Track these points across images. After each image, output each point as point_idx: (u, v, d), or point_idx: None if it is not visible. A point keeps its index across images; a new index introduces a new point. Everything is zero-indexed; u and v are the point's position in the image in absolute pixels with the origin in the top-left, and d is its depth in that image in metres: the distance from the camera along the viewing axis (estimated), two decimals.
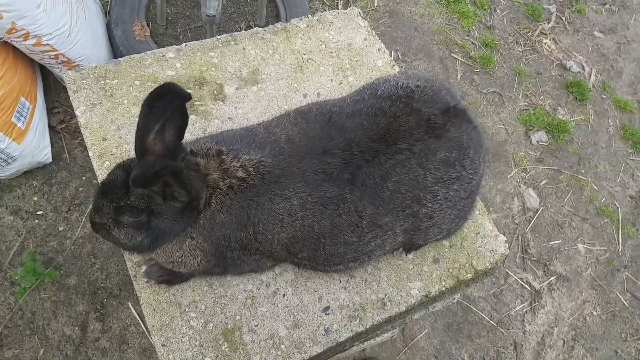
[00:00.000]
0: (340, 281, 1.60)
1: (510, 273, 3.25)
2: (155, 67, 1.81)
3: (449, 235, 1.68)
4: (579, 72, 4.19)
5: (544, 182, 3.60)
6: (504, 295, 3.19)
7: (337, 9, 3.93)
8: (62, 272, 2.62)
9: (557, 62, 4.21)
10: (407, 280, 1.63)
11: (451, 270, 1.67)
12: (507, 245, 1.77)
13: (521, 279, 3.25)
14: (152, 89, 1.18)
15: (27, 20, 2.44)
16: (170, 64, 1.83)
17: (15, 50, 2.67)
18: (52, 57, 2.69)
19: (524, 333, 3.13)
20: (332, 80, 1.91)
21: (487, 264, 1.70)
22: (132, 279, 1.53)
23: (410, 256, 1.68)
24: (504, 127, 3.77)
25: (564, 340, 3.17)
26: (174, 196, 1.28)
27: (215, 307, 1.51)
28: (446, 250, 1.71)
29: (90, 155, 1.63)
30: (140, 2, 3.06)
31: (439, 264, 1.67)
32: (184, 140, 1.31)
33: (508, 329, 3.09)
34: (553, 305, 3.25)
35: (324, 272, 1.60)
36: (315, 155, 1.43)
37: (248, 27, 3.23)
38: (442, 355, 2.92)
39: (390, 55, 3.94)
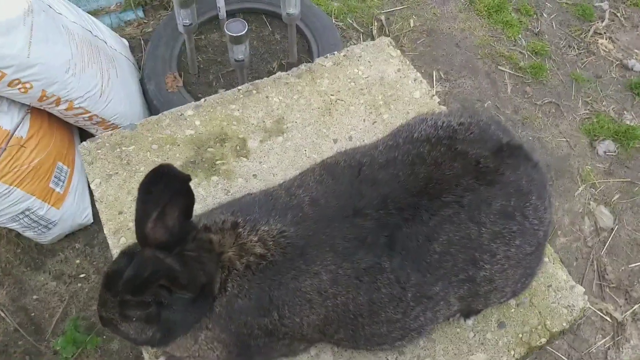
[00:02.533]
0: (388, 359, 1.34)
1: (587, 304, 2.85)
2: (173, 127, 1.65)
3: (515, 296, 1.39)
4: None
5: (616, 197, 3.18)
6: (582, 330, 2.78)
7: (372, 35, 3.72)
8: (104, 337, 2.49)
9: (617, 62, 3.79)
10: (467, 352, 1.35)
11: (520, 335, 1.38)
12: (586, 297, 1.46)
13: (600, 309, 2.84)
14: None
15: (57, 86, 2.37)
16: (189, 122, 1.66)
17: (50, 115, 2.61)
18: (87, 119, 2.61)
19: None
20: (364, 120, 1.69)
21: (564, 324, 1.40)
22: None
23: (470, 322, 1.41)
24: (565, 139, 3.38)
25: None
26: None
27: None
28: (513, 310, 1.42)
29: (105, 232, 1.48)
30: (172, 54, 2.97)
31: (505, 329, 1.39)
32: (198, 212, 1.13)
33: None
34: (639, 338, 2.81)
35: (367, 352, 1.36)
36: (345, 218, 1.20)
37: (280, 66, 3.07)
38: None
39: (432, 77, 3.67)
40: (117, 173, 1.56)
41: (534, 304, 1.42)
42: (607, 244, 3.01)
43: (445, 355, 1.34)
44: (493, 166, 1.21)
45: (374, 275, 1.16)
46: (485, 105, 3.51)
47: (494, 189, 1.19)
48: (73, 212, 2.62)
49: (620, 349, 2.76)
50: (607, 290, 2.89)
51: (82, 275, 2.65)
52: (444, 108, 1.71)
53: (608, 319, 2.81)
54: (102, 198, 1.52)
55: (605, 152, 3.33)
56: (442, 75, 3.66)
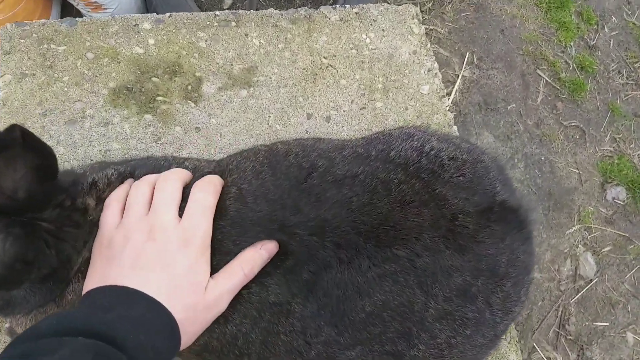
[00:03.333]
0: None
1: (537, 348, 2.64)
2: (121, 38, 1.30)
3: None
4: None
5: (607, 248, 2.90)
6: None
7: None
8: None
9: None
10: None
11: None
12: None
13: (549, 358, 2.63)
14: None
15: None
16: (141, 37, 1.31)
17: None
18: None
19: None
20: (352, 101, 1.35)
21: None
22: None
23: None
24: (577, 171, 3.05)
25: None
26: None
27: None
28: None
29: None
30: None
31: None
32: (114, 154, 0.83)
33: None
34: None
35: None
36: (268, 230, 0.90)
37: None
38: None
39: (464, 58, 3.25)
40: (34, 74, 1.23)
41: None
42: (580, 294, 2.77)
43: None
44: (472, 228, 0.90)
45: (277, 317, 0.88)
46: (509, 107, 3.13)
47: (461, 259, 0.89)
48: None
49: None
50: (563, 340, 2.67)
51: None
52: (450, 116, 1.37)
53: None
54: (7, 101, 1.20)
55: (614, 198, 3.01)
56: (475, 59, 3.24)
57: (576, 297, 2.76)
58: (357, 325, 0.89)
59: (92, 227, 0.89)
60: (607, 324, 2.75)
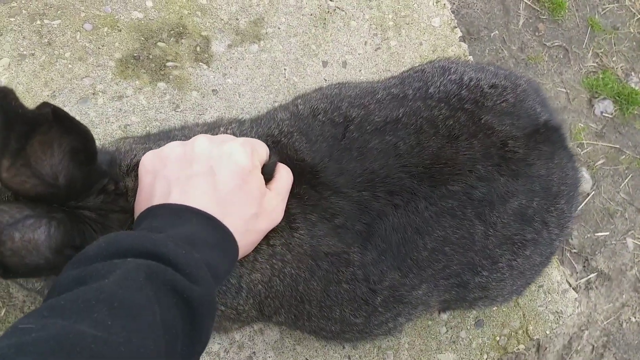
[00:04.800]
0: (344, 347, 1.11)
1: None
2: (117, 4, 1.22)
3: (504, 302, 1.17)
4: None
5: (601, 161, 2.97)
6: None
7: None
8: None
9: (639, 16, 3.40)
10: (436, 349, 1.13)
11: (498, 338, 1.17)
12: (577, 303, 1.25)
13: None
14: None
15: None
16: (138, 1, 1.24)
17: None
18: None
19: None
20: (366, 43, 1.31)
21: (547, 331, 1.20)
22: None
23: (444, 316, 1.17)
24: (565, 90, 3.07)
25: (593, 345, 2.72)
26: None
27: None
28: (494, 308, 1.20)
29: None
30: None
31: (482, 329, 1.17)
32: (134, 129, 0.81)
33: None
34: (588, 306, 2.76)
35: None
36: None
37: None
38: None
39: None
40: (33, 54, 1.15)
41: (520, 305, 1.21)
42: (579, 208, 2.86)
43: (410, 350, 1.12)
44: (522, 152, 0.90)
45: (335, 266, 0.88)
46: (492, 35, 3.10)
47: (516, 184, 0.89)
48: None
49: None
50: (568, 254, 2.78)
51: None
52: (465, 47, 1.35)
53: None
54: (10, 86, 1.14)
55: (602, 112, 3.06)
56: None
57: (576, 212, 2.85)
58: (420, 264, 0.90)
59: (131, 211, 0.86)
60: (608, 233, 2.86)
